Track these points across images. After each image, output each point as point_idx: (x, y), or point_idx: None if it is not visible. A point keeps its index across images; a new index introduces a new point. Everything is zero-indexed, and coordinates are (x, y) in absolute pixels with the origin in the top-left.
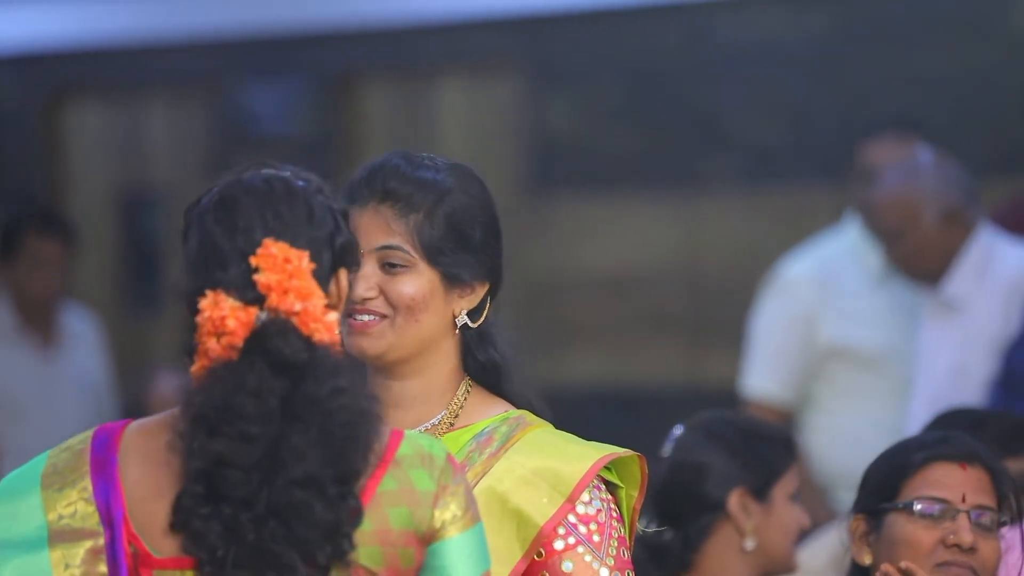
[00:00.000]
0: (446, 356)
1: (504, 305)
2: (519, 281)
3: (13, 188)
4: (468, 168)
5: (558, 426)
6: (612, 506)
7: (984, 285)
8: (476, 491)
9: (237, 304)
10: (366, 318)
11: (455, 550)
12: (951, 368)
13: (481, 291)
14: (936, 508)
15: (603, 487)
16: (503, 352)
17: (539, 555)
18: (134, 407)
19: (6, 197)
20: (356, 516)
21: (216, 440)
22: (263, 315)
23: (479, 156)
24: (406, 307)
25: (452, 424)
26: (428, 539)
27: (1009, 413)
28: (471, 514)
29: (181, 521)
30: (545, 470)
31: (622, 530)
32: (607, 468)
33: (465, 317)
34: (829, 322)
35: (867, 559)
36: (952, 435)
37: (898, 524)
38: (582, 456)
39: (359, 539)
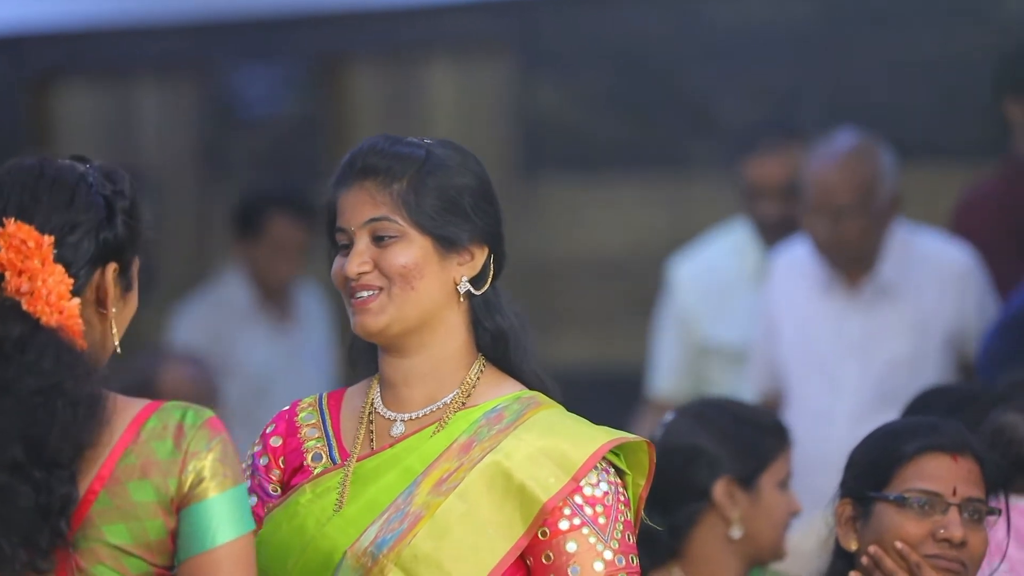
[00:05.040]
0: (453, 329)
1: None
2: (508, 264)
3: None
4: (454, 143)
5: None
6: (620, 490)
7: (914, 273)
8: (482, 465)
9: None
10: (364, 294)
11: (210, 510)
12: (902, 357)
13: (481, 257)
14: (927, 501)
15: (612, 470)
16: (511, 320)
17: (543, 534)
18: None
19: None
20: (68, 500)
21: None
22: None
23: (468, 139)
24: (400, 276)
25: (464, 403)
26: (178, 505)
27: (987, 390)
28: (228, 476)
29: None
30: (552, 449)
31: (629, 514)
32: (616, 454)
33: (468, 284)
34: (704, 322)
35: (853, 545)
36: (942, 423)
37: (887, 514)
38: (591, 438)
39: (102, 517)
